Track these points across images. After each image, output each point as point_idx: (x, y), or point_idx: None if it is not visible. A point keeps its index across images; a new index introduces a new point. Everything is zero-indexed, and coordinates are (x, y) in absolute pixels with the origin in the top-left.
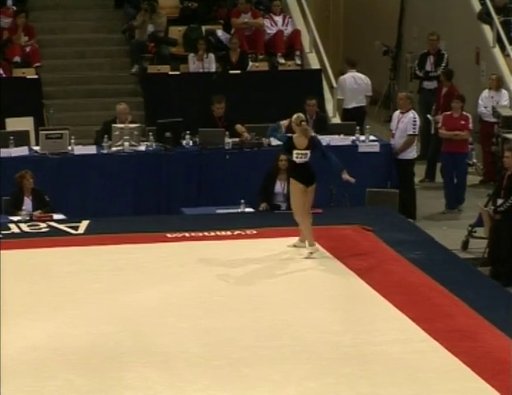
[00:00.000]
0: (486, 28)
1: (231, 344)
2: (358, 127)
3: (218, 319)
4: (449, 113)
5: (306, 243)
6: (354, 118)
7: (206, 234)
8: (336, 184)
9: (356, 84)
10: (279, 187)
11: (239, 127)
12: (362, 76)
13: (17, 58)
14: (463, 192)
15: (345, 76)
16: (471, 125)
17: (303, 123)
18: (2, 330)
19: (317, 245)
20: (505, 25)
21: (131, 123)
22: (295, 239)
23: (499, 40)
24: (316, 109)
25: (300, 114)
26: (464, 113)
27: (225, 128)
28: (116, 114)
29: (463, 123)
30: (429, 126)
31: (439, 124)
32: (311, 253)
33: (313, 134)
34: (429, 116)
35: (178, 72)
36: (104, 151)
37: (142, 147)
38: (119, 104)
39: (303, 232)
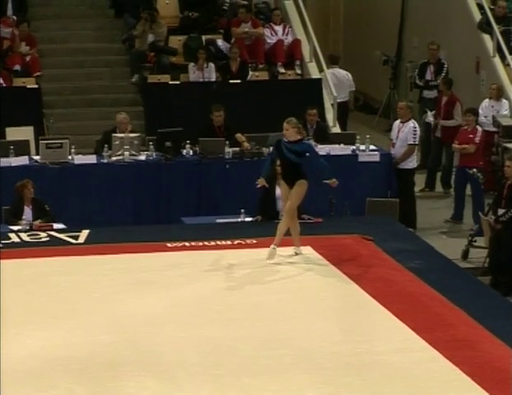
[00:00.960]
0: (487, 37)
1: (231, 353)
2: (340, 125)
3: (218, 329)
4: (465, 127)
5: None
6: (337, 114)
7: (206, 243)
8: (335, 194)
9: (336, 80)
10: (279, 192)
11: (239, 136)
12: (344, 72)
13: (18, 67)
14: (480, 208)
15: (325, 72)
16: (477, 139)
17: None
18: (1, 339)
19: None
20: (505, 34)
21: (131, 132)
22: (292, 249)
23: (499, 50)
24: (317, 118)
25: (294, 119)
26: (477, 126)
27: (225, 137)
28: (116, 124)
29: (471, 136)
30: (429, 135)
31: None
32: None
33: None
34: (429, 114)
35: (178, 82)
36: (105, 161)
37: (142, 157)
38: (119, 114)
39: (281, 232)
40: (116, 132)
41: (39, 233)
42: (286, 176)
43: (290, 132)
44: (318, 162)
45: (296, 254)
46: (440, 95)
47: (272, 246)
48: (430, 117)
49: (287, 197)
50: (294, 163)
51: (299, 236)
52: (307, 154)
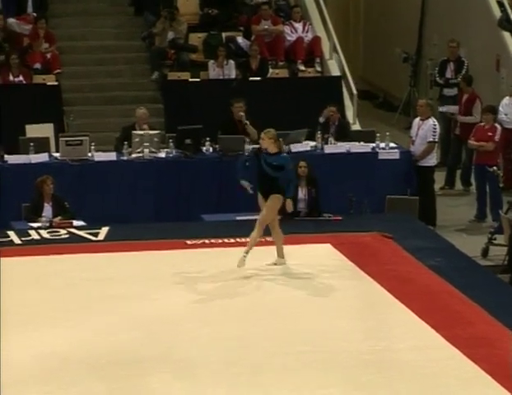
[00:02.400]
0: (507, 35)
1: (251, 351)
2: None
3: (237, 326)
4: (482, 124)
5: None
6: None
7: (225, 240)
8: (355, 192)
9: None
10: (300, 193)
11: (249, 127)
12: None
13: (38, 65)
14: (497, 205)
15: None
16: (497, 137)
17: None
18: (2, 337)
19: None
20: None
21: (149, 128)
22: (312, 247)
23: None
24: (338, 115)
25: (272, 130)
26: (496, 124)
27: (246, 133)
28: (136, 119)
29: (490, 134)
30: (448, 132)
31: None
32: (244, 256)
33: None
34: (443, 109)
35: (198, 79)
36: (124, 158)
37: (162, 154)
38: (139, 109)
39: (279, 246)
40: (135, 129)
41: (58, 230)
42: (261, 188)
43: (265, 142)
44: (289, 177)
45: (275, 264)
46: (461, 93)
47: (243, 253)
48: (445, 108)
49: (263, 207)
50: (270, 176)
51: (282, 246)
52: (283, 168)
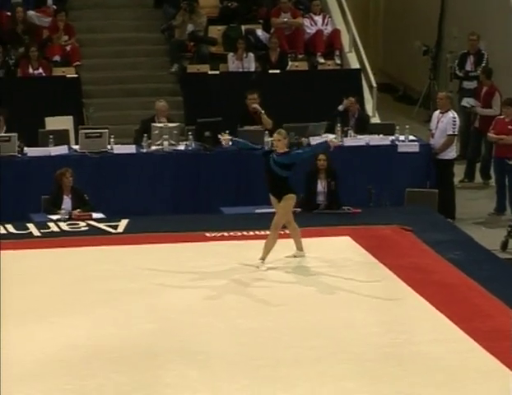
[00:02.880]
0: None
1: (270, 344)
2: None
3: (256, 319)
4: (501, 117)
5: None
6: None
7: (245, 233)
8: (375, 184)
9: None
10: (319, 186)
11: (266, 118)
12: None
13: (57, 57)
14: None
15: None
16: None
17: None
18: (21, 329)
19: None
20: None
21: (168, 120)
22: (332, 239)
23: None
24: (358, 107)
25: (283, 130)
26: None
27: (262, 123)
28: (155, 111)
29: (510, 127)
30: (468, 125)
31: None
32: (258, 267)
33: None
34: (467, 103)
35: (217, 72)
36: (144, 150)
37: (182, 147)
38: (159, 101)
39: (269, 247)
40: (154, 121)
41: (78, 222)
42: (272, 189)
43: (281, 143)
44: (311, 149)
45: (294, 257)
46: (481, 86)
47: (259, 260)
48: (467, 102)
49: (276, 208)
50: (279, 176)
51: (300, 239)
52: (295, 161)
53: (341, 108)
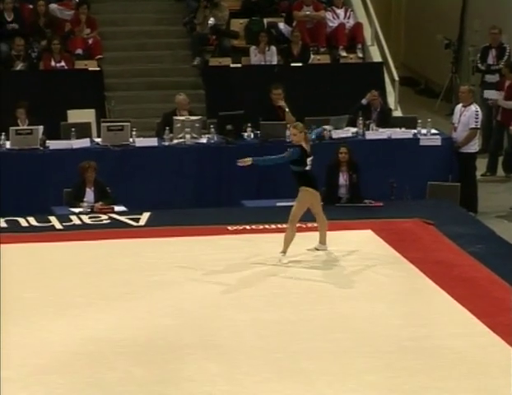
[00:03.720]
0: None
1: (291, 337)
2: None
3: (277, 312)
4: None
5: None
6: None
7: (266, 226)
8: (396, 178)
9: None
10: (341, 179)
11: (289, 116)
12: None
13: (79, 51)
14: None
15: None
16: None
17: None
18: (43, 322)
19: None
20: None
21: (189, 113)
22: (353, 233)
23: None
24: (380, 101)
25: (300, 123)
26: None
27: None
28: (176, 105)
29: None
30: (490, 119)
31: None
32: (279, 260)
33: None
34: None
35: (239, 65)
36: (166, 144)
37: (204, 140)
38: (179, 95)
39: (288, 241)
40: (176, 114)
41: (100, 215)
42: (314, 182)
43: (296, 137)
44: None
45: (316, 250)
46: (503, 79)
47: (280, 253)
48: (490, 94)
49: (307, 204)
50: (292, 170)
51: (325, 233)
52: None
53: (364, 101)
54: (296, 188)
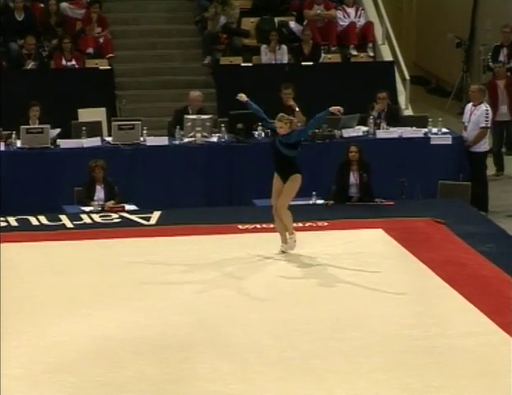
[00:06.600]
0: None
1: (302, 336)
2: None
3: (289, 311)
4: None
5: (287, 235)
6: None
7: None
8: (407, 177)
9: None
10: (352, 178)
11: (299, 115)
12: None
13: (90, 49)
14: None
15: None
16: None
17: None
18: (54, 321)
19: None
20: None
21: (200, 111)
22: (364, 232)
23: None
24: (388, 101)
25: (284, 115)
26: None
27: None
28: (188, 101)
29: None
30: None
31: None
32: (283, 251)
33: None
34: None
35: (250, 64)
36: (176, 142)
37: (214, 138)
38: (193, 91)
39: (283, 230)
40: (187, 111)
41: (110, 214)
42: (279, 170)
43: (284, 128)
44: (313, 120)
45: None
46: None
47: (281, 245)
48: None
49: (279, 191)
50: (286, 156)
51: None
52: (301, 140)
53: (375, 114)
54: (283, 175)
